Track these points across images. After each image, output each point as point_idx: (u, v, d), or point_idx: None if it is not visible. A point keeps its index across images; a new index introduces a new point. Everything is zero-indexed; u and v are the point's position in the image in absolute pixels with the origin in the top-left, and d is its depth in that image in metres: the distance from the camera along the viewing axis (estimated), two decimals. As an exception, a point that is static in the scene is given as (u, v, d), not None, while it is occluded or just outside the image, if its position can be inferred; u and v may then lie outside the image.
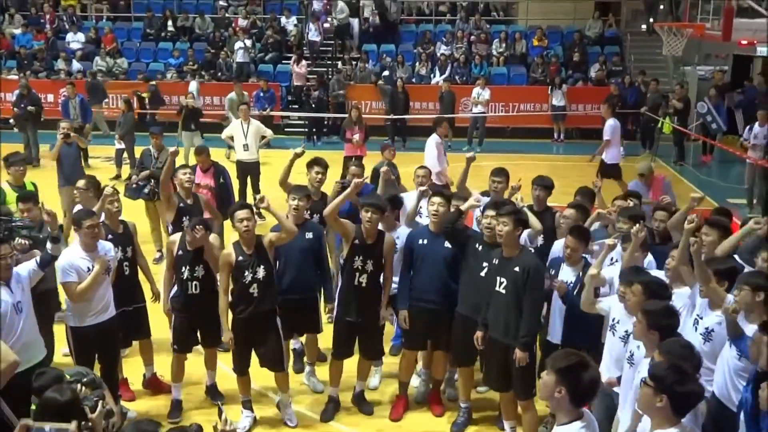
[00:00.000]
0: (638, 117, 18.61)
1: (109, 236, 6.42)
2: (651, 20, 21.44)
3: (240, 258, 6.08)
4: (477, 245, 6.06)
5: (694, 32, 16.58)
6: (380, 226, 6.47)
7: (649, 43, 21.22)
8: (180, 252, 6.32)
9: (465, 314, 6.11)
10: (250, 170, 12.05)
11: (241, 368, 6.31)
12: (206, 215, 7.61)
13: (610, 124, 13.03)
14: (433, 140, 11.10)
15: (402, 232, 6.83)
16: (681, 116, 17.08)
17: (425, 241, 6.30)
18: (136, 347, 6.95)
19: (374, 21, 21.82)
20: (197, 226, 6.25)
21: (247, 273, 6.06)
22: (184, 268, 6.30)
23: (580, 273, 5.89)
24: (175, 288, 6.44)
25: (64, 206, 9.69)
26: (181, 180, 7.57)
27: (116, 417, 4.42)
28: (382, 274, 6.37)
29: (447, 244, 6.24)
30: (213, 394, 6.74)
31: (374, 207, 6.24)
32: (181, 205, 7.44)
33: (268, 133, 12.74)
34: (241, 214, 6.06)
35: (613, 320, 5.23)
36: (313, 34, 21.07)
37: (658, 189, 8.89)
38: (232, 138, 12.31)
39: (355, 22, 21.98)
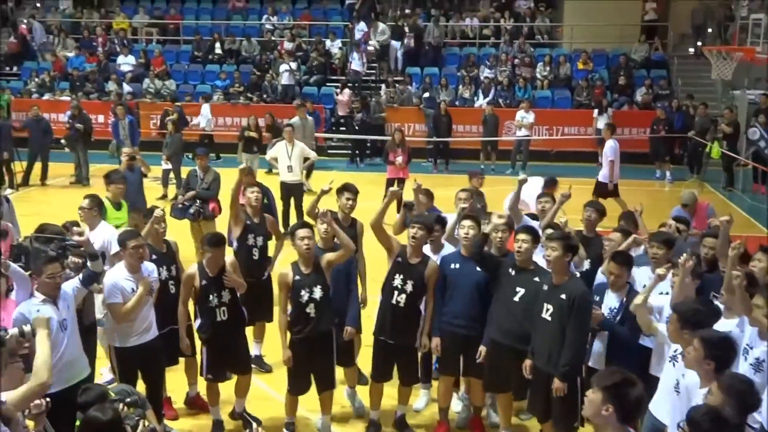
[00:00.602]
0: (685, 141, 18.33)
1: (153, 256, 6.48)
2: (699, 44, 21.16)
3: (297, 277, 6.10)
4: (509, 269, 5.97)
5: (743, 56, 16.31)
6: (427, 249, 6.44)
7: (697, 66, 20.94)
8: (204, 282, 6.24)
9: (496, 339, 6.02)
10: (293, 191, 12.15)
11: (298, 388, 6.27)
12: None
13: (611, 146, 13.56)
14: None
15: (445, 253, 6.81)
16: (730, 141, 16.77)
17: (457, 266, 6.24)
18: (180, 365, 6.97)
19: (409, 44, 21.89)
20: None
21: (303, 293, 6.06)
22: (211, 296, 6.22)
23: (624, 299, 5.76)
24: (200, 320, 6.36)
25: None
26: (249, 198, 7.62)
27: None
28: (421, 298, 6.28)
29: (479, 268, 6.16)
30: (244, 420, 6.61)
31: (421, 224, 6.21)
32: (248, 222, 7.46)
33: (312, 155, 12.87)
34: (302, 232, 6.10)
35: (675, 351, 5.03)
36: (356, 64, 21.19)
37: (702, 216, 8.73)
38: (276, 159, 12.43)
39: (397, 45, 22.09)
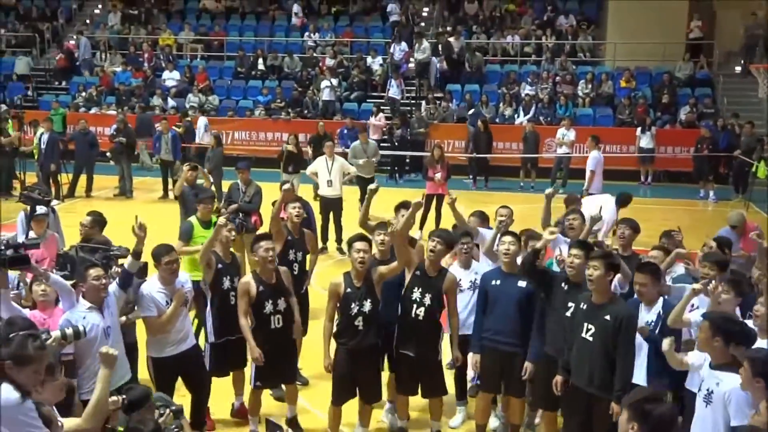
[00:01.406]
0: (730, 161, 18.01)
1: (219, 265, 6.59)
2: (744, 62, 20.82)
3: (348, 290, 6.14)
4: (562, 284, 5.91)
5: (791, 74, 16.01)
6: (457, 264, 6.51)
7: (743, 85, 20.60)
8: (261, 288, 6.31)
9: (549, 354, 5.96)
10: (332, 206, 12.20)
11: (340, 398, 6.29)
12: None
13: (594, 157, 13.80)
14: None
15: (477, 268, 6.82)
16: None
17: (498, 282, 6.22)
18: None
19: (442, 66, 21.88)
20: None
21: (353, 305, 6.10)
22: (267, 303, 6.30)
23: (661, 311, 5.63)
24: (253, 327, 6.38)
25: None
26: (291, 214, 7.69)
27: None
28: (440, 312, 6.31)
29: (520, 284, 6.14)
30: (294, 427, 6.72)
31: (440, 238, 6.25)
32: (289, 238, 7.48)
33: (352, 170, 12.93)
34: (360, 245, 6.16)
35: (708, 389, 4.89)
36: (394, 91, 21.15)
37: (750, 237, 8.53)
38: (316, 174, 12.52)
39: (436, 61, 22.12)
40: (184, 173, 10.19)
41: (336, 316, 6.28)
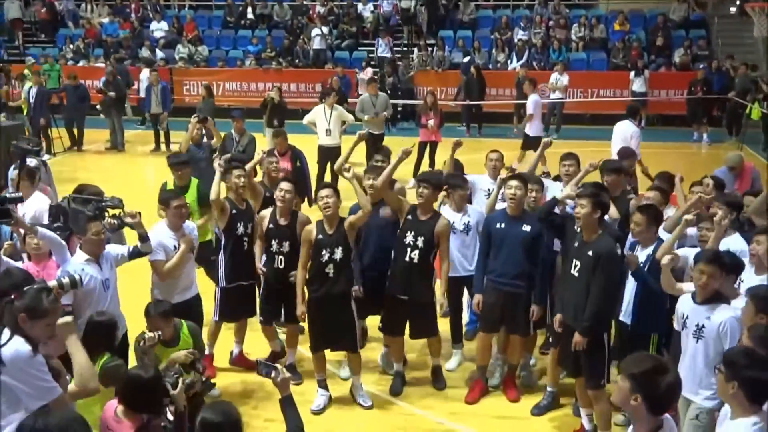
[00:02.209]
0: (724, 103, 17.95)
1: (233, 211, 6.67)
2: (739, 2, 20.58)
3: (320, 236, 6.17)
4: (575, 227, 5.86)
5: (787, 13, 15.85)
6: (448, 206, 6.64)
7: (738, 26, 20.41)
8: (271, 225, 6.48)
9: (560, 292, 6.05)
10: (331, 155, 11.86)
11: (315, 346, 6.38)
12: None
13: (534, 99, 14.19)
14: (628, 128, 10.78)
15: (471, 211, 6.88)
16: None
17: (503, 225, 6.25)
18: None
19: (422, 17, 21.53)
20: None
21: (324, 252, 6.14)
22: (273, 241, 6.46)
23: (651, 251, 5.67)
24: (264, 258, 6.59)
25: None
26: (267, 169, 7.65)
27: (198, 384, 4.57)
28: (433, 254, 6.36)
29: (525, 228, 6.17)
30: (292, 372, 6.80)
31: (427, 182, 6.30)
32: (267, 194, 7.42)
33: (349, 118, 12.74)
34: (323, 192, 6.19)
35: (683, 317, 4.95)
36: (383, 50, 20.81)
37: (747, 179, 8.55)
38: (314, 124, 12.33)
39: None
40: (191, 128, 9.62)
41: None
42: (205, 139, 9.92)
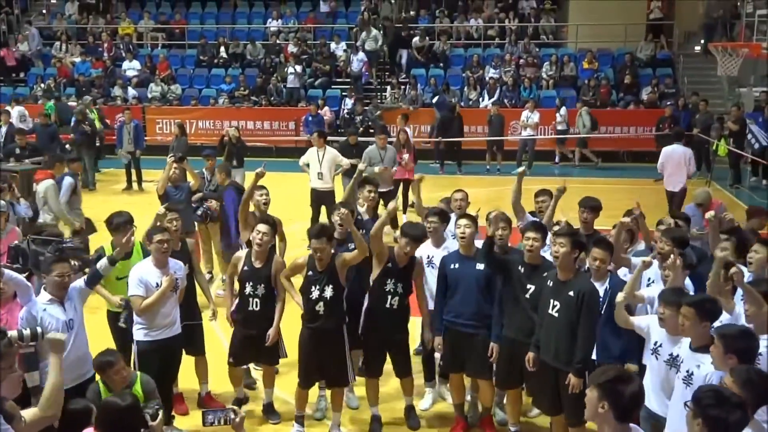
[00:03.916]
0: (691, 139, 18.24)
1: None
2: (704, 41, 21.08)
3: (310, 273, 6.17)
4: (519, 267, 5.97)
5: (749, 52, 16.26)
6: (429, 242, 6.64)
7: (703, 65, 20.87)
8: (245, 268, 6.44)
9: (510, 337, 6.02)
10: (323, 199, 11.59)
11: (306, 380, 6.34)
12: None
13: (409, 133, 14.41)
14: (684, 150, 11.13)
15: (450, 246, 6.84)
16: (737, 138, 16.69)
17: (457, 265, 6.26)
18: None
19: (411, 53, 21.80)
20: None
21: (314, 289, 6.13)
22: (247, 284, 6.41)
23: (607, 287, 5.73)
24: (237, 301, 6.54)
25: None
26: (257, 201, 7.62)
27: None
28: (410, 296, 6.39)
29: (479, 267, 6.17)
30: (269, 412, 6.73)
31: (410, 237, 6.25)
32: None
33: (344, 162, 12.06)
34: (315, 244, 6.08)
35: (655, 344, 5.07)
36: (356, 65, 21.09)
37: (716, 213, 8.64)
38: (307, 165, 12.00)
39: (404, 52, 22.06)
40: (168, 168, 9.44)
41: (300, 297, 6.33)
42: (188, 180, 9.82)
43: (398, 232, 7.85)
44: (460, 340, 6.25)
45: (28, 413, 3.80)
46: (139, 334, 6.09)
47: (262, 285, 6.41)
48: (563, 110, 19.07)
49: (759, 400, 3.82)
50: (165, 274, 6.04)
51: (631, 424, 3.52)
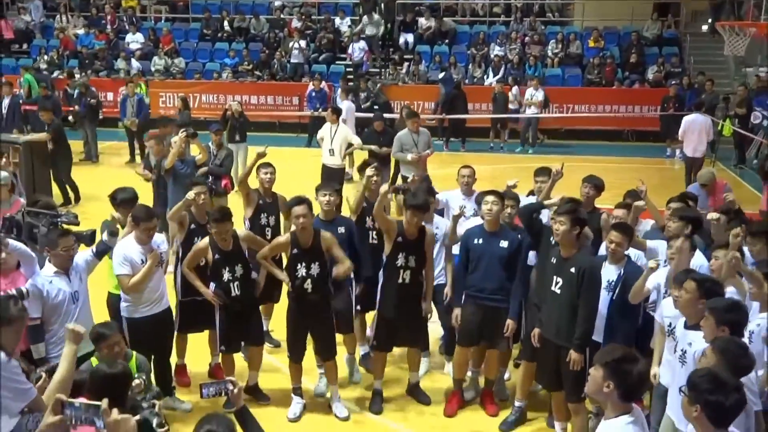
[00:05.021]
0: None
1: (192, 225, 6.72)
2: (711, 21, 20.92)
3: (295, 251, 6.16)
4: (551, 238, 5.97)
5: (757, 32, 16.13)
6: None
7: (710, 44, 20.72)
8: (217, 256, 6.30)
9: (537, 304, 6.08)
10: (333, 176, 11.38)
11: (295, 353, 6.38)
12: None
13: (345, 107, 14.96)
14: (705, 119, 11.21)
15: (439, 222, 6.93)
16: (742, 118, 16.62)
17: (480, 241, 6.28)
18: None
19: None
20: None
21: (300, 267, 6.14)
22: (223, 270, 6.29)
23: (622, 271, 5.79)
24: (213, 286, 6.37)
25: (173, 231, 8.73)
26: (262, 179, 7.63)
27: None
28: (423, 269, 6.40)
29: (502, 243, 6.21)
30: (256, 394, 6.70)
31: (418, 208, 6.26)
32: (260, 202, 7.45)
33: (356, 141, 12.12)
34: (298, 210, 6.10)
35: (669, 326, 5.10)
36: (357, 54, 20.91)
37: (720, 194, 8.65)
38: (322, 140, 11.97)
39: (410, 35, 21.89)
40: (178, 143, 9.20)
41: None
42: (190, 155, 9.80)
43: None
44: (481, 313, 6.28)
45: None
46: (128, 311, 6.08)
47: (239, 264, 6.32)
48: (515, 89, 18.76)
49: (737, 371, 3.83)
50: (148, 250, 5.99)
51: (633, 404, 3.52)
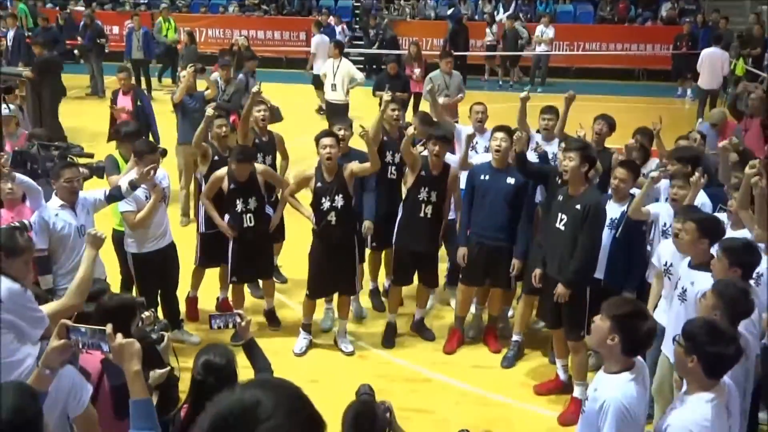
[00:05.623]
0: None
1: (215, 157, 6.78)
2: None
3: (319, 184, 6.18)
4: (557, 178, 5.94)
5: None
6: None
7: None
8: (232, 186, 6.37)
9: (540, 243, 6.07)
10: (336, 112, 11.25)
11: (315, 291, 6.45)
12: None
13: (316, 40, 14.77)
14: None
15: (450, 158, 6.79)
16: (756, 58, 16.32)
17: (487, 177, 6.25)
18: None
19: None
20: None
21: (324, 200, 6.17)
22: (237, 201, 6.37)
23: (625, 209, 5.75)
24: (228, 218, 6.48)
25: (180, 165, 9.15)
26: (256, 117, 7.58)
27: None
28: (444, 205, 6.43)
29: (509, 180, 6.18)
30: (270, 319, 6.89)
31: (442, 139, 6.28)
32: (257, 141, 7.42)
33: (359, 76, 12.08)
34: (326, 141, 6.13)
35: (666, 264, 5.11)
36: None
37: (729, 134, 8.54)
38: (325, 76, 11.97)
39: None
40: (187, 78, 9.11)
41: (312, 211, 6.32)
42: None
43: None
44: (485, 252, 6.30)
45: (47, 307, 3.90)
46: (133, 247, 6.12)
47: (253, 197, 6.39)
48: (494, 27, 18.52)
49: (737, 314, 3.84)
50: (152, 186, 5.96)
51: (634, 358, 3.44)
